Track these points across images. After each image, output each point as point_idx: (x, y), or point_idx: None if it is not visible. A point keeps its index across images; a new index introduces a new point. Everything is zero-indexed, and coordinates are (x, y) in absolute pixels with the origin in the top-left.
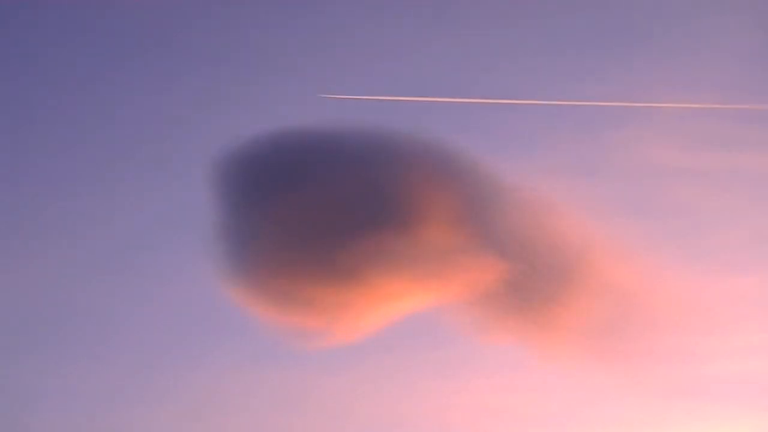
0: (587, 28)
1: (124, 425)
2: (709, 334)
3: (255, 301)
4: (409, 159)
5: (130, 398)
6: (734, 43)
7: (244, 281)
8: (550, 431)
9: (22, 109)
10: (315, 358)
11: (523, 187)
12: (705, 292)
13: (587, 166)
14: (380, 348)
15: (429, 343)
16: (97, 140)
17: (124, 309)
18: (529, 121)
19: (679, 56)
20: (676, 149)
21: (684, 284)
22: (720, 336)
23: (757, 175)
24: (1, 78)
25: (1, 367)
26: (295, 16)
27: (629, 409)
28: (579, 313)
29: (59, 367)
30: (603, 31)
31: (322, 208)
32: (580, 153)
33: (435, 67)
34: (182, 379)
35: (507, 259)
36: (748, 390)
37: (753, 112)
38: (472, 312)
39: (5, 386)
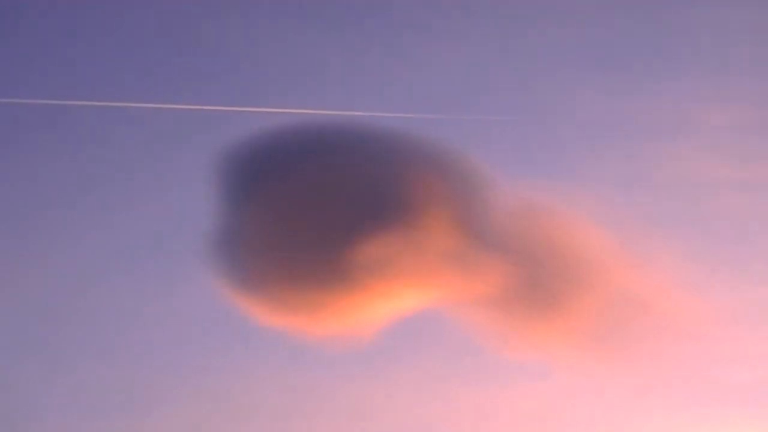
0: (629, 42)
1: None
2: (736, 341)
3: (265, 306)
4: (429, 166)
5: (133, 401)
6: None
7: (253, 286)
8: None
9: (24, 113)
10: (320, 361)
11: (558, 198)
12: (736, 300)
13: (628, 178)
14: (387, 352)
15: (439, 347)
16: (103, 143)
17: (130, 313)
18: (570, 135)
19: (719, 70)
20: (717, 162)
21: (716, 293)
22: (748, 342)
23: None
24: (2, 80)
25: (7, 368)
26: (306, 27)
27: (652, 415)
28: (603, 321)
29: (64, 370)
30: (646, 45)
31: (329, 210)
32: (621, 165)
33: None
34: (186, 383)
35: (528, 266)
36: None
37: None
38: (490, 317)
39: (10, 388)
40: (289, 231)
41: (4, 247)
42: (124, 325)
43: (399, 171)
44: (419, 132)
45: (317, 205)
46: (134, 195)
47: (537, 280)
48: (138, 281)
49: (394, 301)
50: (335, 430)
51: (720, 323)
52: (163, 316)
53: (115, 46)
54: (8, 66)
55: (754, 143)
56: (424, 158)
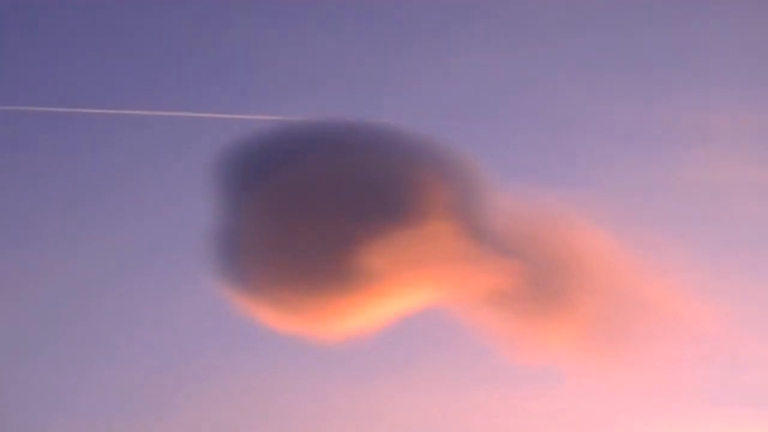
0: (642, 47)
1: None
2: (746, 344)
3: (268, 307)
4: (438, 169)
5: (135, 403)
6: None
7: (256, 287)
8: None
9: (26, 120)
10: (323, 362)
11: (568, 203)
12: (746, 303)
13: (639, 183)
14: (391, 353)
15: (444, 348)
16: (105, 148)
17: (131, 315)
18: (581, 140)
19: (734, 75)
20: (726, 166)
21: (726, 296)
22: (757, 346)
23: None
24: (4, 88)
25: (10, 370)
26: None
27: (658, 418)
28: (611, 324)
29: (66, 372)
30: (660, 50)
31: (334, 212)
32: (633, 170)
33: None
34: (187, 384)
35: (537, 269)
36: None
37: None
38: (497, 319)
39: (13, 389)
40: (292, 233)
41: (6, 250)
42: (126, 327)
43: (404, 173)
44: (424, 136)
45: (321, 208)
46: (137, 199)
47: (546, 282)
48: (140, 283)
49: (398, 302)
50: (339, 431)
51: (729, 326)
52: (165, 317)
53: (116, 53)
54: (11, 73)
55: (764, 147)
56: (431, 161)
